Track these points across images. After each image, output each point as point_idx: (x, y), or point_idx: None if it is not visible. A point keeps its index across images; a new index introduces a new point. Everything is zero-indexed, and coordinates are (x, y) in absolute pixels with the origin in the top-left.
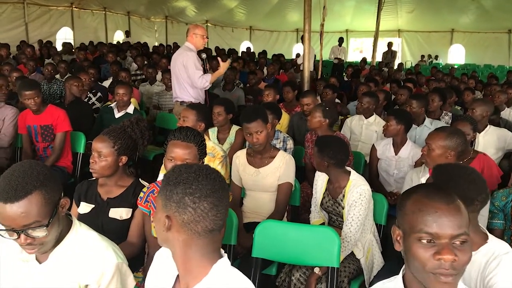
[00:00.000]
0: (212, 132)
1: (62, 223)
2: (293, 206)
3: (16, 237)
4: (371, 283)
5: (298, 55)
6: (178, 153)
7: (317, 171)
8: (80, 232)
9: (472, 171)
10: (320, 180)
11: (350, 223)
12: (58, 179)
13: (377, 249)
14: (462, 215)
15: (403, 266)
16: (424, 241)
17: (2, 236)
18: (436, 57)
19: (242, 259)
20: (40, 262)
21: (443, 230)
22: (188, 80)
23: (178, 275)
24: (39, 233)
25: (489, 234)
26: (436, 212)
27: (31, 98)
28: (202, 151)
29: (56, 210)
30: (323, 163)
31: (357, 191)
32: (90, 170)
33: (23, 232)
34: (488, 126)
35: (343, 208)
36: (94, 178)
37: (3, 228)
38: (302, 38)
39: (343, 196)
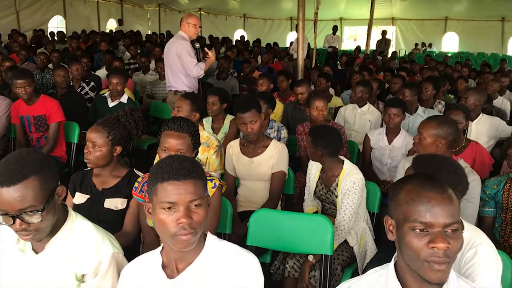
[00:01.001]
0: (207, 121)
1: (58, 212)
2: (287, 195)
3: (12, 222)
4: (364, 270)
5: (292, 44)
6: (172, 143)
7: (310, 160)
8: (76, 223)
9: (452, 162)
10: (314, 169)
11: (344, 212)
12: (56, 168)
13: (370, 236)
14: (454, 204)
15: (395, 254)
16: (418, 230)
17: None
18: (430, 45)
19: None
20: (36, 253)
21: (436, 219)
22: (182, 69)
23: (162, 265)
24: (34, 218)
25: (465, 223)
26: (430, 202)
27: (23, 87)
28: (196, 141)
29: (52, 197)
30: (316, 153)
31: (350, 180)
32: (85, 161)
33: (19, 216)
34: (481, 114)
35: (336, 197)
36: (88, 168)
37: None
38: (297, 26)
39: (337, 184)
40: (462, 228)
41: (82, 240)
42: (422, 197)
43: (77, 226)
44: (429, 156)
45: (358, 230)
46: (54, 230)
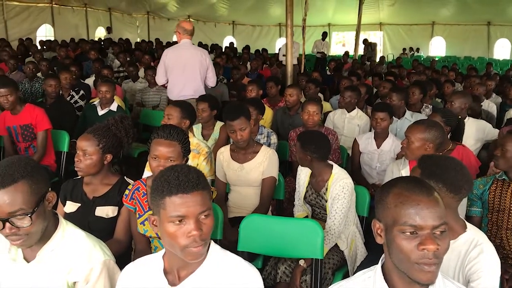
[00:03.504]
0: (197, 128)
1: (48, 218)
2: (277, 200)
3: (1, 227)
4: (354, 274)
5: (280, 50)
6: (162, 151)
7: (299, 165)
8: (67, 231)
9: (457, 161)
10: (303, 174)
11: (334, 216)
12: (46, 174)
13: (360, 240)
14: (441, 206)
15: (382, 256)
16: (408, 233)
17: None
18: (418, 50)
19: None
20: (28, 262)
21: (425, 222)
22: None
23: (164, 271)
24: (24, 222)
25: (467, 223)
26: (418, 204)
27: (4, 95)
28: (186, 149)
29: (42, 202)
30: (305, 158)
31: (339, 185)
32: (75, 169)
33: (8, 220)
34: (467, 117)
35: (326, 201)
36: (79, 177)
37: None
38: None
39: (326, 189)
40: (465, 227)
41: (73, 247)
42: (410, 200)
43: (68, 234)
44: (435, 156)
45: (348, 234)
46: (45, 238)
